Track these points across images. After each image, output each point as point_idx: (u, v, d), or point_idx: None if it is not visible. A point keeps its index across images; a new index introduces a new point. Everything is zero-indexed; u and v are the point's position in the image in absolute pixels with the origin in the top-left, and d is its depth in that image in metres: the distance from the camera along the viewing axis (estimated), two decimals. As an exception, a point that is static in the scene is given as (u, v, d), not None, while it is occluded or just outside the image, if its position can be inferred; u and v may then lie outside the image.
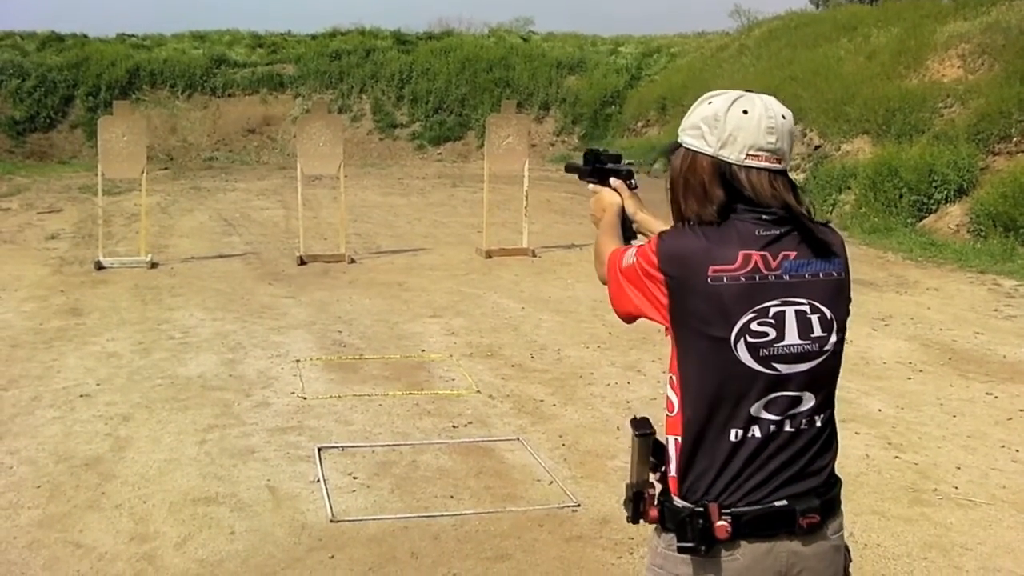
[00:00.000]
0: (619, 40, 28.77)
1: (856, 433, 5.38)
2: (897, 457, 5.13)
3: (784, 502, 1.86)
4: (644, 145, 21.17)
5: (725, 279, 1.82)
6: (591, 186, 2.36)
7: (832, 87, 16.17)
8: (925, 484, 4.77)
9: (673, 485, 1.92)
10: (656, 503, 1.93)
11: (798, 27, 21.65)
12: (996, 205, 11.36)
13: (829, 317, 1.89)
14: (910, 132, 13.69)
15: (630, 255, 1.94)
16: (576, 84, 25.79)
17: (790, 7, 23.39)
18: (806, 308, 1.87)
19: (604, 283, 2.06)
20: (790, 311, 1.86)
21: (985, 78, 13.81)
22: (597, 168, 2.35)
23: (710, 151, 1.88)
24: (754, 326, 1.84)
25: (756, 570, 1.87)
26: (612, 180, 2.31)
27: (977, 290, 9.42)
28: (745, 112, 1.87)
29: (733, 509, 1.85)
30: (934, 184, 12.43)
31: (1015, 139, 12.31)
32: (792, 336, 1.86)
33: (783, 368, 1.86)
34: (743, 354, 1.84)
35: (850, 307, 1.98)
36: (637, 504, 1.94)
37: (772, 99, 1.92)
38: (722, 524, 1.84)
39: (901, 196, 12.71)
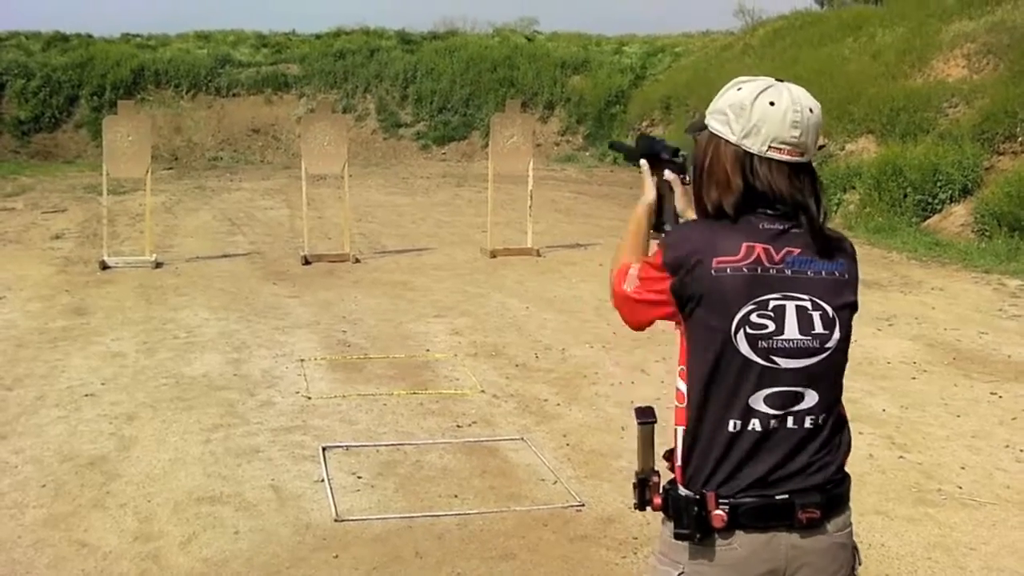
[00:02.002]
0: (623, 40, 28.69)
1: (860, 433, 5.37)
2: (901, 457, 5.13)
3: (785, 496, 1.87)
4: (649, 144, 21.13)
5: (728, 270, 1.85)
6: (644, 169, 2.22)
7: (837, 86, 16.11)
8: (929, 484, 4.77)
9: (678, 474, 1.95)
10: (661, 491, 1.94)
11: (803, 26, 21.59)
12: (1001, 205, 11.33)
13: (831, 315, 1.90)
14: (915, 132, 13.65)
15: (632, 277, 1.98)
16: (580, 84, 25.73)
17: (795, 6, 23.39)
18: (807, 304, 1.88)
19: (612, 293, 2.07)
20: (790, 305, 1.87)
21: (990, 78, 13.78)
22: (651, 157, 2.21)
23: (733, 139, 1.88)
24: (754, 318, 1.86)
25: (755, 561, 1.87)
26: (667, 173, 2.17)
27: (982, 290, 9.40)
28: (772, 104, 1.86)
29: (731, 500, 1.86)
30: (939, 184, 12.41)
31: (1020, 138, 12.28)
32: (792, 331, 1.87)
33: (781, 361, 1.87)
34: (742, 345, 1.86)
35: (855, 315, 1.97)
36: (643, 491, 1.96)
37: (802, 91, 1.91)
38: (719, 513, 1.86)
39: (906, 196, 12.68)
